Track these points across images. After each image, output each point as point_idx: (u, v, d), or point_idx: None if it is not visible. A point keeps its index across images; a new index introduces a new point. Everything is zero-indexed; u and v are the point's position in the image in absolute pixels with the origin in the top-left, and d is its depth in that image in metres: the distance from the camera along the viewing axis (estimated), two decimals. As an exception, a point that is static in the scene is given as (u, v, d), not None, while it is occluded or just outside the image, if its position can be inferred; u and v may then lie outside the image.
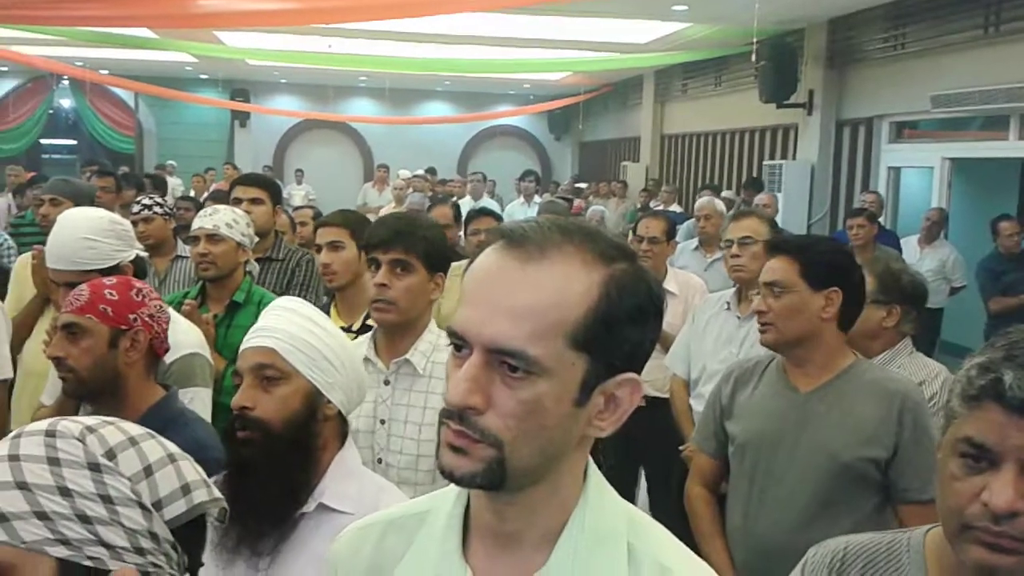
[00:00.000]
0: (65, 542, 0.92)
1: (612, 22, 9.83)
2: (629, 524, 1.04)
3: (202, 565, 1.07)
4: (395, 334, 2.34)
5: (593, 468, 1.06)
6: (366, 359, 2.35)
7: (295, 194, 14.83)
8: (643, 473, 4.58)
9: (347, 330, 3.13)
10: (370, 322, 3.15)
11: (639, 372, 1.00)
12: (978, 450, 1.16)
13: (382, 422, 2.32)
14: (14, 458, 0.94)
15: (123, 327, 2.05)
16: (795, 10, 8.64)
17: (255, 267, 3.62)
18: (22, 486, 0.92)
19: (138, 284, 2.13)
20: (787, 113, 9.56)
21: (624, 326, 0.97)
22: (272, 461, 1.67)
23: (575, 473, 1.03)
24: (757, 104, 9.65)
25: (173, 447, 1.04)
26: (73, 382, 2.03)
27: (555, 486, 1.01)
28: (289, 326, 1.73)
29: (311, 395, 1.72)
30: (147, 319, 2.10)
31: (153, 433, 1.03)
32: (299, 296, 3.86)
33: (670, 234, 4.35)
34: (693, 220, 6.55)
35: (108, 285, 2.07)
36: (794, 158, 9.90)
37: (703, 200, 5.82)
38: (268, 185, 4.18)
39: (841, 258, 2.43)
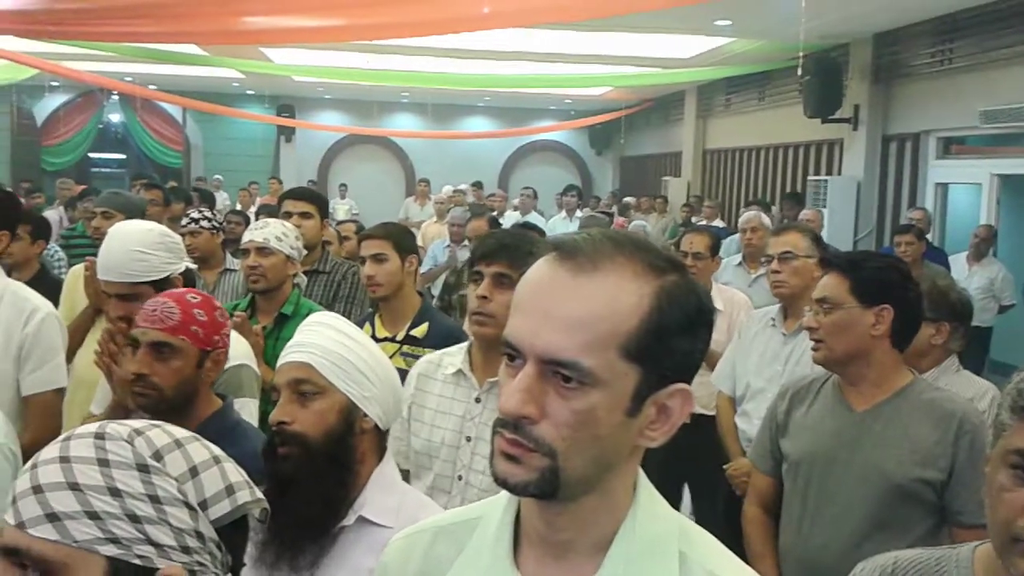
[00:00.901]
0: (115, 541, 0.95)
1: (655, 37, 9.81)
2: (680, 533, 1.05)
3: (244, 565, 1.09)
4: (492, 351, 2.28)
5: (643, 478, 1.06)
6: (459, 372, 2.35)
7: (339, 208, 14.98)
8: (687, 492, 4.55)
9: (391, 340, 3.16)
10: (414, 332, 3.18)
11: (690, 383, 1.01)
12: None
13: (468, 439, 2.30)
14: (64, 460, 0.97)
15: (209, 348, 2.08)
16: (840, 25, 8.57)
17: (303, 279, 3.67)
18: (74, 487, 0.95)
19: (217, 303, 2.15)
20: (832, 128, 9.47)
21: (675, 337, 0.97)
22: (311, 475, 1.69)
23: (626, 483, 1.04)
24: (801, 119, 9.57)
25: (217, 450, 1.07)
26: (154, 399, 2.03)
27: (607, 495, 1.02)
28: (324, 341, 1.75)
29: (348, 409, 1.73)
30: (225, 338, 2.14)
31: (197, 436, 1.06)
32: (344, 307, 3.95)
33: (714, 250, 4.32)
34: (736, 236, 6.50)
35: (196, 304, 2.08)
36: (839, 174, 9.79)
37: (750, 213, 5.77)
38: (317, 199, 4.23)
39: (893, 274, 2.37)
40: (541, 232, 5.12)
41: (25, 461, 2.72)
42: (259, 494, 1.07)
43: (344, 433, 1.72)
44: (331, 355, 1.72)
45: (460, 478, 2.29)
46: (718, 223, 10.79)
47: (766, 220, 5.69)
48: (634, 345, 0.95)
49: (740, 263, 5.57)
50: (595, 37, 9.72)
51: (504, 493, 1.06)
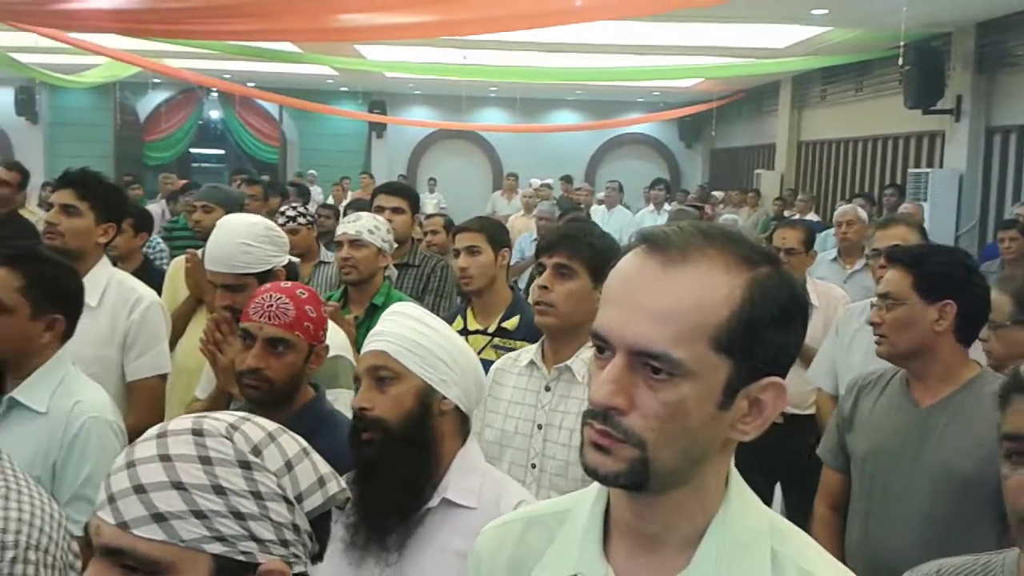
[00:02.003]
0: (221, 539, 0.95)
1: (748, 27, 9.65)
2: (772, 530, 1.04)
3: (325, 551, 1.10)
4: (559, 340, 2.37)
5: (735, 473, 1.05)
6: (531, 363, 2.40)
7: (427, 202, 15.13)
8: (779, 493, 4.47)
9: (482, 333, 3.19)
10: (505, 325, 3.21)
11: (783, 376, 0.99)
12: (1017, 443, 1.20)
13: (539, 427, 2.35)
14: (165, 458, 0.96)
15: (315, 343, 2.15)
16: (942, 13, 8.28)
17: (393, 272, 3.73)
18: (178, 486, 0.95)
19: (321, 298, 2.21)
20: (933, 119, 9.17)
21: (768, 329, 0.96)
22: (391, 459, 1.72)
23: (718, 477, 1.03)
24: (901, 110, 9.29)
25: (303, 441, 1.07)
26: (265, 392, 2.09)
27: (698, 489, 1.01)
28: (399, 328, 1.78)
29: (424, 392, 1.75)
30: (326, 331, 2.19)
31: (284, 428, 1.06)
32: (433, 300, 4.01)
33: (808, 244, 4.22)
34: (831, 230, 6.35)
35: (306, 300, 2.13)
36: (941, 166, 9.48)
37: (846, 207, 5.63)
38: (408, 195, 4.31)
39: (958, 269, 2.34)
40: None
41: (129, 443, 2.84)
42: (343, 484, 1.08)
43: (422, 416, 1.75)
44: (406, 341, 1.76)
45: (534, 466, 2.33)
46: (812, 217, 10.55)
47: (862, 214, 5.54)
48: (725, 337, 0.95)
49: (835, 258, 5.43)
50: (687, 28, 9.60)
51: (595, 485, 1.07)
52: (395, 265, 3.89)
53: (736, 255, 0.97)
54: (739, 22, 9.23)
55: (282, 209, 4.65)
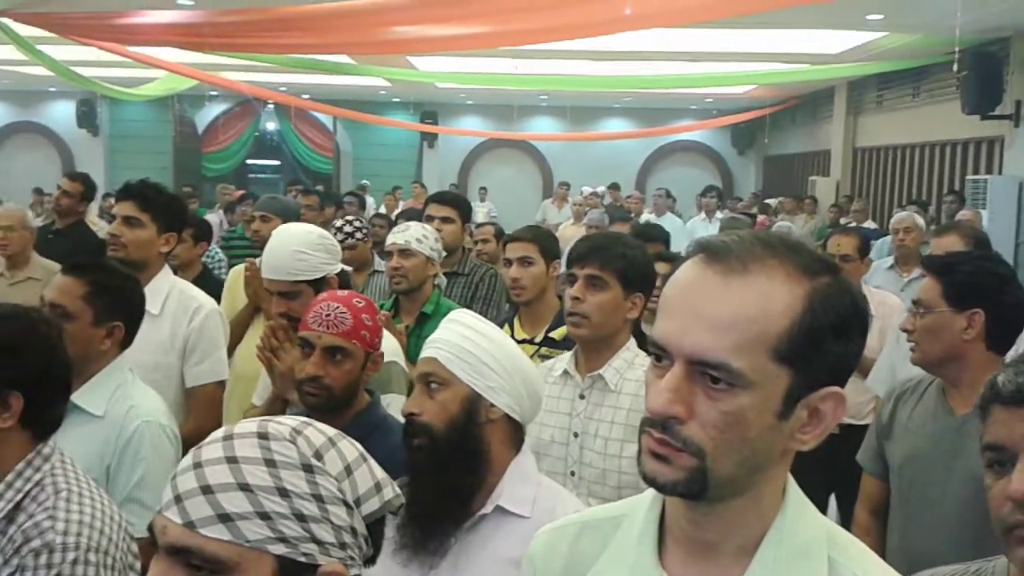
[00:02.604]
0: (284, 540, 0.97)
1: (802, 32, 9.55)
2: (829, 539, 1.04)
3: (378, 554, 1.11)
4: (592, 349, 2.40)
5: (792, 483, 1.05)
6: (565, 372, 2.43)
7: (478, 211, 15.19)
8: (833, 504, 4.41)
9: (529, 342, 3.20)
10: (552, 335, 3.22)
11: (843, 386, 0.99)
12: (997, 453, 1.21)
13: (575, 435, 2.37)
14: (232, 460, 0.98)
15: (372, 350, 2.19)
16: (999, 18, 8.11)
17: (443, 280, 3.76)
18: (244, 487, 0.97)
19: (376, 306, 2.25)
20: (991, 125, 8.98)
21: (828, 340, 0.96)
22: (438, 464, 1.74)
23: (775, 486, 1.03)
24: (959, 116, 9.11)
25: (360, 447, 1.09)
26: (324, 399, 2.13)
27: (755, 498, 1.01)
28: (450, 336, 1.80)
29: (471, 399, 1.77)
30: (381, 338, 2.23)
31: (343, 433, 1.08)
32: (482, 308, 4.03)
33: (863, 251, 4.17)
34: (887, 238, 6.26)
35: (363, 309, 2.17)
36: (1000, 173, 9.26)
37: (903, 213, 5.54)
38: (459, 204, 4.34)
39: (988, 278, 2.32)
40: (665, 234, 5.06)
41: (187, 449, 2.93)
42: (397, 489, 1.09)
43: (467, 422, 1.76)
44: (456, 348, 1.78)
45: (572, 473, 2.35)
46: (869, 224, 10.39)
47: (920, 220, 5.45)
48: (785, 347, 0.95)
49: (892, 266, 5.35)
50: (739, 34, 9.53)
51: (649, 491, 1.07)
52: (445, 274, 3.92)
53: (796, 264, 0.97)
54: (793, 28, 9.14)
55: (339, 224, 4.68)
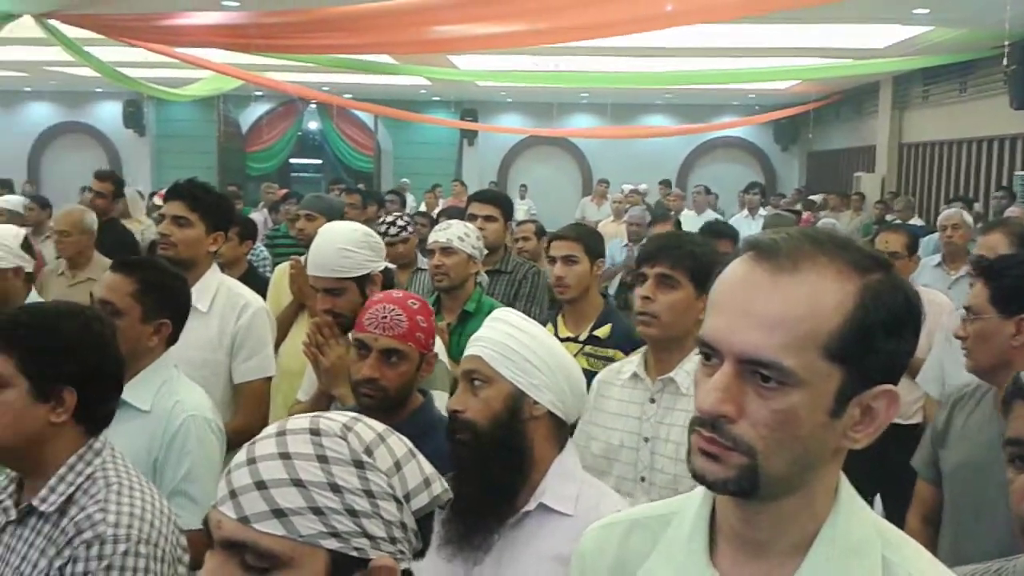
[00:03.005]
0: (336, 535, 0.98)
1: (846, 27, 9.43)
2: (882, 538, 1.03)
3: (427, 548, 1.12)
4: (662, 351, 2.35)
5: (845, 481, 1.04)
6: (634, 375, 2.38)
7: (518, 208, 15.18)
8: (879, 502, 4.36)
9: (573, 340, 3.18)
10: (596, 333, 3.20)
11: (896, 384, 0.98)
12: (1019, 448, 1.21)
13: (646, 440, 2.33)
14: (285, 456, 0.99)
15: (426, 352, 2.20)
16: (1052, 9, 7.95)
17: (485, 278, 3.77)
18: (297, 483, 0.98)
19: (430, 308, 2.26)
20: (1042, 119, 8.81)
21: (880, 337, 0.95)
22: (481, 460, 1.75)
23: (828, 484, 1.02)
24: (1007, 110, 8.94)
25: (409, 442, 1.10)
26: (380, 400, 2.13)
27: (807, 497, 1.01)
28: (494, 334, 1.81)
29: (514, 396, 1.77)
30: (435, 339, 2.24)
31: (391, 429, 1.09)
32: (525, 306, 4.03)
33: (912, 248, 4.11)
34: (935, 235, 6.16)
35: (417, 311, 2.18)
36: (1051, 167, 9.09)
37: (950, 210, 5.45)
38: (501, 202, 4.35)
39: None
40: (734, 231, 5.00)
41: (234, 443, 2.96)
42: (445, 484, 1.10)
43: (510, 419, 1.76)
44: (499, 346, 1.78)
45: (643, 479, 2.30)
46: (915, 221, 10.24)
47: (967, 217, 5.36)
48: (837, 345, 0.94)
49: (939, 263, 5.26)
50: (782, 29, 9.44)
51: (699, 489, 1.06)
52: (487, 272, 3.93)
53: (847, 261, 0.96)
54: (837, 23, 9.03)
55: (390, 220, 4.66)
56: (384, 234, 4.50)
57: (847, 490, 1.04)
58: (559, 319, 3.30)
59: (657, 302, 2.29)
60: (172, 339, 2.42)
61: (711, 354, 0.99)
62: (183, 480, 2.24)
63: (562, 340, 3.18)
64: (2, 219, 5.25)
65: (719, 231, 4.68)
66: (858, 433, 0.99)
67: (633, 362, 2.42)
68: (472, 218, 4.10)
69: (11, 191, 11.29)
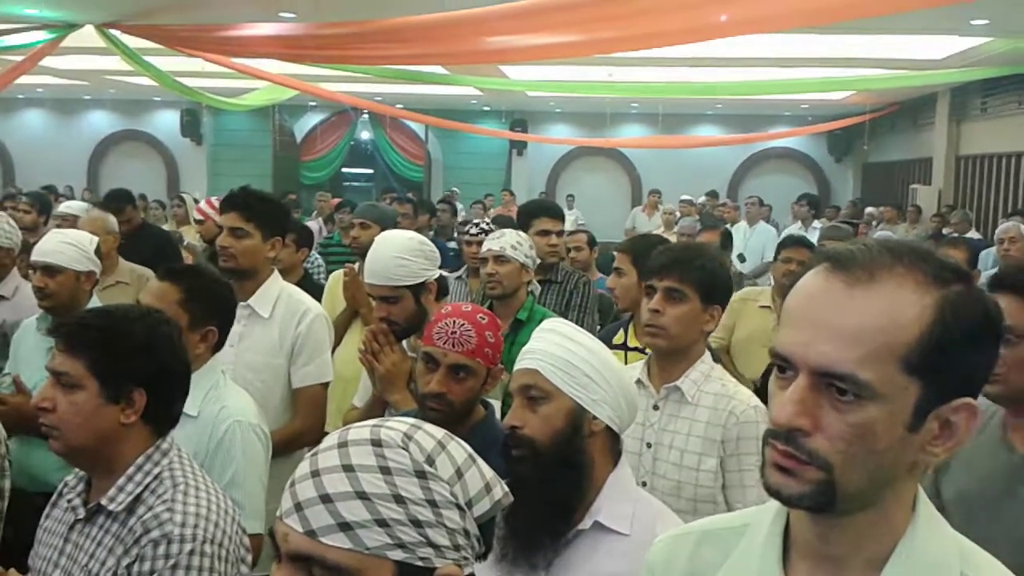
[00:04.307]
0: (402, 546, 0.98)
1: (902, 38, 9.29)
2: (961, 556, 1.01)
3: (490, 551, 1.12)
4: (668, 360, 2.38)
5: (923, 497, 1.03)
6: (638, 381, 2.38)
7: (566, 219, 15.18)
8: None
9: (640, 351, 3.18)
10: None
11: (975, 397, 0.97)
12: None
13: (648, 445, 2.35)
14: (348, 468, 0.99)
15: (493, 366, 2.20)
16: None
17: (536, 287, 3.79)
18: (362, 495, 0.98)
19: (498, 321, 2.26)
20: (1105, 132, 8.59)
21: (960, 350, 0.94)
22: (541, 478, 1.72)
23: (905, 500, 1.01)
24: (1070, 122, 8.75)
25: (468, 447, 1.10)
26: (447, 414, 2.13)
27: (884, 512, 1.00)
28: (551, 347, 1.78)
29: (574, 412, 1.75)
30: (502, 353, 2.24)
31: (451, 435, 1.10)
32: (576, 316, 4.04)
33: (972, 263, 4.06)
34: (992, 249, 6.05)
35: (486, 326, 2.18)
36: (1116, 181, 8.86)
37: (1007, 223, 5.37)
38: (560, 215, 4.48)
39: None
40: (811, 246, 4.93)
41: (293, 446, 2.99)
42: (506, 488, 1.10)
43: (572, 436, 1.74)
44: (557, 360, 1.76)
45: (644, 484, 2.29)
46: (972, 234, 10.04)
47: (1027, 231, 5.26)
48: (915, 358, 0.93)
49: (998, 277, 5.16)
50: (837, 40, 9.33)
51: (773, 502, 1.05)
52: (539, 281, 3.95)
53: (925, 273, 0.95)
54: (893, 33, 8.90)
55: (475, 221, 4.87)
56: (465, 233, 4.62)
57: (925, 505, 1.03)
58: (630, 327, 3.31)
59: (665, 315, 2.32)
60: (218, 345, 2.45)
61: (785, 367, 0.98)
62: (228, 485, 2.26)
63: (631, 349, 3.20)
64: (67, 224, 5.35)
65: (802, 244, 4.60)
66: (937, 447, 0.97)
67: (636, 367, 2.43)
68: (546, 234, 4.20)
69: (70, 198, 11.56)
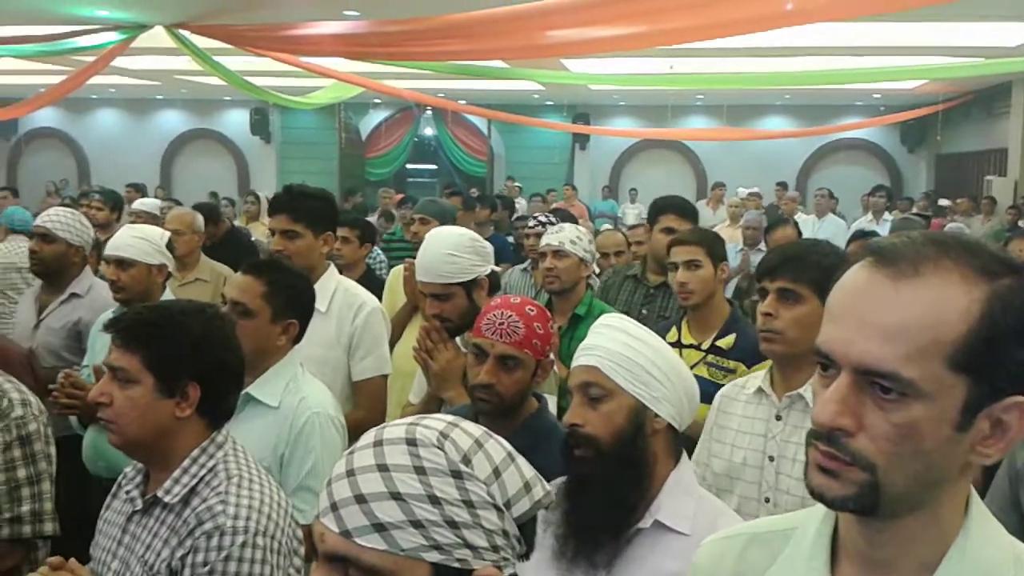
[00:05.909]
0: (438, 547, 0.97)
1: (975, 25, 9.01)
2: (1017, 561, 0.97)
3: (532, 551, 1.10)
4: (788, 366, 2.26)
5: (976, 499, 0.99)
6: (760, 390, 2.31)
7: (629, 213, 15.09)
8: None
9: (695, 348, 3.10)
10: (720, 343, 3.06)
11: None
12: None
13: (771, 459, 2.25)
14: (383, 468, 0.98)
15: (543, 358, 2.19)
16: None
17: (596, 282, 3.75)
18: (396, 496, 0.97)
19: (548, 314, 2.24)
20: None
21: (1011, 346, 0.90)
22: (603, 477, 1.71)
23: (956, 502, 0.97)
24: None
25: (508, 445, 1.08)
26: (496, 406, 2.14)
27: (934, 515, 0.96)
28: (610, 343, 1.76)
29: (636, 410, 1.73)
30: (551, 346, 2.23)
31: (489, 432, 1.08)
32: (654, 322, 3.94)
33: (1048, 255, 3.90)
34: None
35: (535, 317, 2.17)
36: None
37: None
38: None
39: None
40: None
41: (354, 438, 3.03)
42: (547, 487, 1.08)
43: (634, 434, 1.73)
44: (617, 357, 1.74)
45: (767, 500, 2.22)
46: (1051, 226, 9.70)
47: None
48: (962, 355, 0.89)
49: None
50: (908, 27, 9.08)
51: (820, 505, 1.03)
52: (658, 285, 3.86)
53: (973, 266, 0.91)
54: (965, 20, 8.63)
55: (536, 215, 4.93)
56: (523, 227, 4.61)
57: (978, 508, 0.99)
58: (684, 324, 3.20)
59: (780, 318, 2.20)
60: (298, 338, 2.50)
61: (827, 364, 0.95)
62: (307, 476, 2.31)
63: (685, 347, 3.09)
64: (140, 220, 5.50)
65: (780, 220, 4.44)
66: (989, 448, 0.93)
67: (758, 377, 2.33)
68: (668, 232, 3.75)
69: (144, 195, 11.85)
